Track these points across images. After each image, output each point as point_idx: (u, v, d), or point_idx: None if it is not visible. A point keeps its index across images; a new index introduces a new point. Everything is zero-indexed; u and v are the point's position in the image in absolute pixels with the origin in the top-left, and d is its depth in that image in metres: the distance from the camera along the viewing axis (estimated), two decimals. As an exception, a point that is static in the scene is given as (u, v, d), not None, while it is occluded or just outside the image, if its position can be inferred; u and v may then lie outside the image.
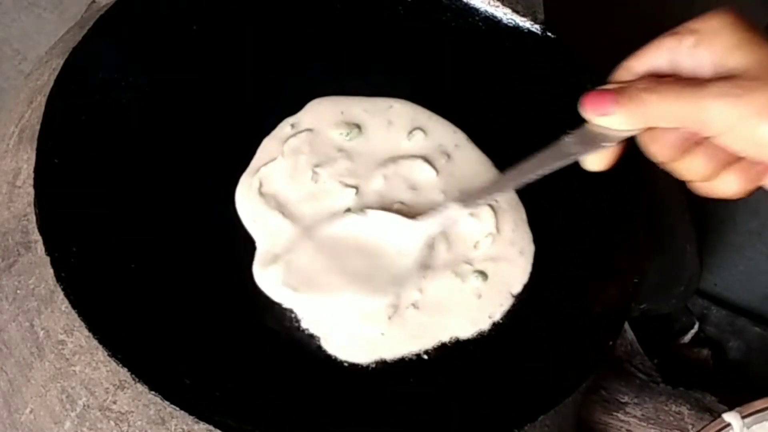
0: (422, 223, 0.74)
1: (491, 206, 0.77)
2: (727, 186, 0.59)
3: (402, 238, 0.74)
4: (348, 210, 0.75)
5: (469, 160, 0.80)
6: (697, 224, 1.04)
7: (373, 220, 0.74)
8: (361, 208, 0.75)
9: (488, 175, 0.79)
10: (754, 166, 0.58)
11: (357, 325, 0.71)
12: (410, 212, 0.75)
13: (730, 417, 0.76)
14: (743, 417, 0.76)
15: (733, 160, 0.58)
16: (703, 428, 0.76)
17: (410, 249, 0.74)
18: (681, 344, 1.16)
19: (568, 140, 0.63)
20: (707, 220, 1.22)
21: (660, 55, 0.60)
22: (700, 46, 0.58)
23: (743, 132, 0.55)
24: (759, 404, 0.77)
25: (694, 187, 0.61)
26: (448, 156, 0.80)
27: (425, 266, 0.74)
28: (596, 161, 0.63)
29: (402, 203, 0.76)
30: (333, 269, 0.72)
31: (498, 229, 0.76)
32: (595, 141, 0.61)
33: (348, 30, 0.85)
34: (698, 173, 0.59)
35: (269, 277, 0.72)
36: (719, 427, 0.76)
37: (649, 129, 0.59)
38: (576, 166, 0.82)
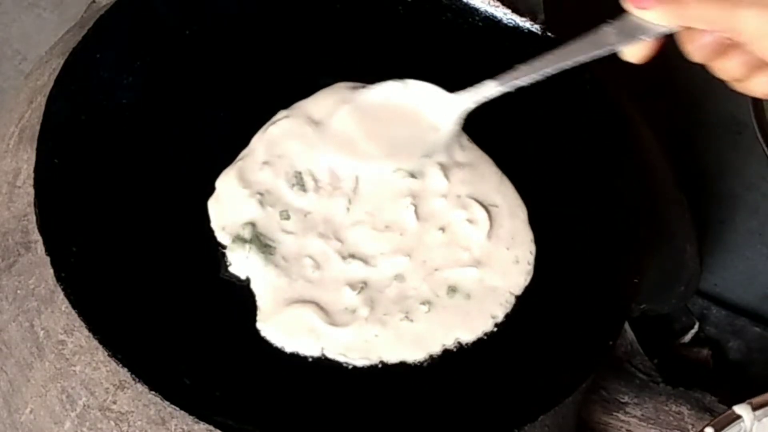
0: (458, 96, 0.76)
1: (486, 208, 0.77)
2: (760, 87, 0.62)
3: (438, 110, 0.76)
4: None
5: (471, 160, 0.80)
6: (697, 224, 1.04)
7: (412, 90, 0.77)
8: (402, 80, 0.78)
9: (490, 174, 0.79)
10: None
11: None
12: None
13: (741, 409, 0.76)
14: (754, 409, 0.76)
15: (766, 63, 0.61)
16: (713, 420, 0.76)
17: (445, 121, 0.76)
18: (681, 344, 1.16)
19: (607, 30, 0.65)
20: (707, 220, 1.22)
21: None
22: None
23: None
24: None
25: (729, 84, 0.63)
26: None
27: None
28: (634, 53, 0.65)
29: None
30: (367, 133, 0.76)
31: (495, 231, 0.76)
32: (633, 33, 0.64)
33: (348, 30, 0.85)
34: (732, 74, 0.62)
35: None
36: (730, 419, 0.76)
37: (687, 29, 0.61)
38: (578, 168, 0.82)
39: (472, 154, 0.80)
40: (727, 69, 0.62)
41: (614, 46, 0.65)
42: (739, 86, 0.63)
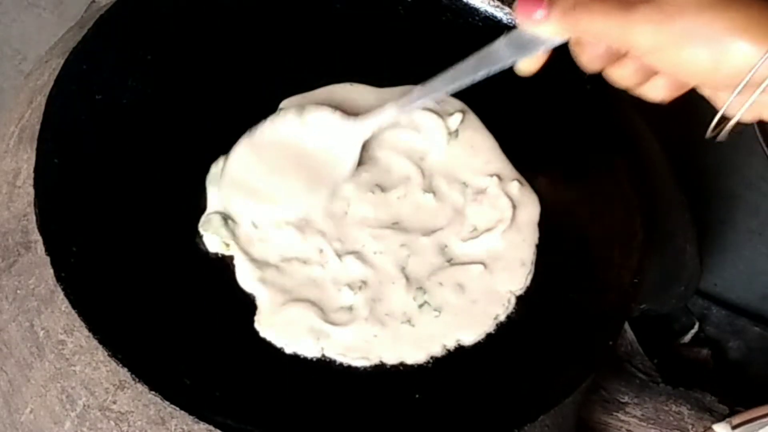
0: (357, 124, 0.75)
1: (510, 198, 0.77)
2: (656, 92, 0.62)
3: (340, 141, 0.75)
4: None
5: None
6: (697, 224, 1.04)
7: (311, 121, 0.75)
8: (300, 107, 0.76)
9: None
10: None
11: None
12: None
13: (720, 428, 0.76)
14: (733, 428, 0.76)
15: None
16: None
17: (348, 152, 0.75)
18: (681, 344, 1.16)
19: (500, 44, 0.65)
20: (707, 220, 1.22)
21: None
22: None
23: (664, 55, 0.58)
24: (750, 414, 0.76)
25: (626, 90, 0.63)
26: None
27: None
28: (526, 66, 0.65)
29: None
30: (268, 172, 0.73)
31: (514, 222, 0.77)
32: (526, 47, 0.64)
33: (348, 30, 0.85)
34: (627, 81, 0.62)
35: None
36: None
37: (579, 40, 0.61)
38: (578, 168, 0.82)
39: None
40: (621, 77, 0.62)
41: (509, 61, 0.65)
42: (635, 91, 0.63)
